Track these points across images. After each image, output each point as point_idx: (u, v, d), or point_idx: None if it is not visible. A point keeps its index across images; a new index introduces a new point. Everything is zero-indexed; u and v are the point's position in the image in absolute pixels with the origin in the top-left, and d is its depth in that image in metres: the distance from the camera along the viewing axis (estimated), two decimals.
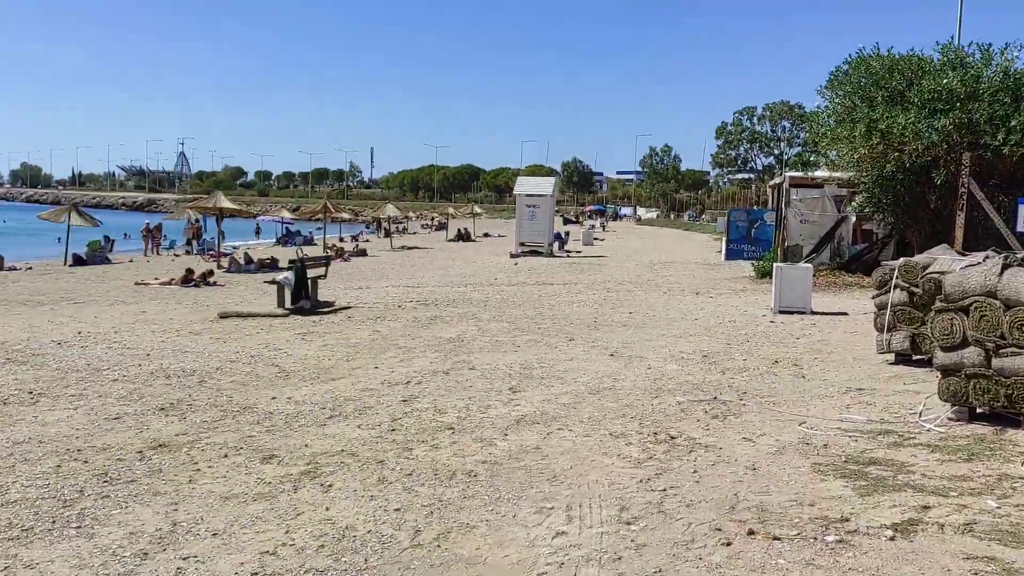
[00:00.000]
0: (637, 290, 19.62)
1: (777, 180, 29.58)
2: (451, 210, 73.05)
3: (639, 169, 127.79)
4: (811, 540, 4.67)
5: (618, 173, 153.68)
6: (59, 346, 11.20)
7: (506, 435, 6.89)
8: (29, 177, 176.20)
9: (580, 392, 8.54)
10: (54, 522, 4.94)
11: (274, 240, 46.93)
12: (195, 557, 4.46)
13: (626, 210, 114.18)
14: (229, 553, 4.52)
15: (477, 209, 68.46)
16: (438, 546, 4.66)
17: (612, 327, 13.27)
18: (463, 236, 49.54)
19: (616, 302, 16.88)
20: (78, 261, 29.07)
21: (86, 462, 6.11)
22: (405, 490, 5.55)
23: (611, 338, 12.10)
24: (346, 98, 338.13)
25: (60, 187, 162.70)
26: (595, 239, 46.14)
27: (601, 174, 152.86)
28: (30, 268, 27.46)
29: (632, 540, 4.72)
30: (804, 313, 14.72)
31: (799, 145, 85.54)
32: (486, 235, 55.51)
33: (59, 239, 38.69)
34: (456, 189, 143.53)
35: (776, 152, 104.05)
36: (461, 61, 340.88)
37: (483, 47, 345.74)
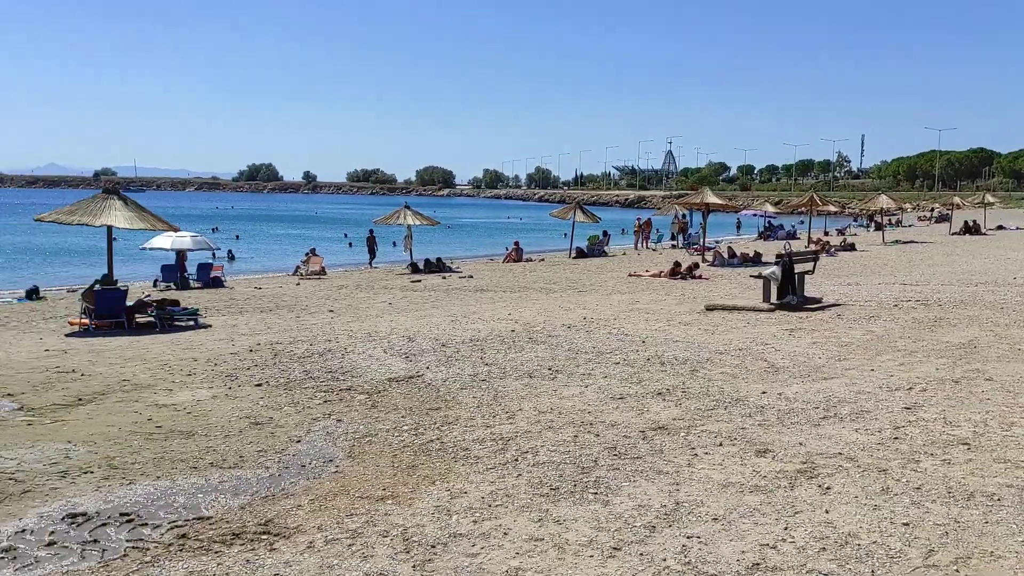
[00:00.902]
0: None
1: None
2: (956, 200, 65.05)
3: None
4: None
5: None
6: (568, 329, 12.60)
7: None
8: (541, 179, 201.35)
9: None
10: (575, 485, 5.60)
11: (755, 234, 46.86)
12: (698, 537, 4.68)
13: None
14: (730, 539, 4.65)
15: (990, 198, 59.89)
16: (956, 571, 4.22)
17: None
18: (970, 229, 43.85)
19: None
20: (580, 254, 32.45)
21: (597, 435, 6.79)
22: (913, 504, 5.12)
23: None
24: (829, 84, 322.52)
25: (565, 187, 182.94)
26: None
27: None
28: (542, 260, 31.42)
29: None
30: None
31: None
32: (1000, 227, 48.44)
33: (564, 234, 43.54)
34: (963, 176, 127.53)
35: None
36: (972, 27, 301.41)
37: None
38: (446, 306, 16.15)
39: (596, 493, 5.44)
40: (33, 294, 19.36)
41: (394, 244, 34.15)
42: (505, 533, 4.80)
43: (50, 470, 5.90)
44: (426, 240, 38.46)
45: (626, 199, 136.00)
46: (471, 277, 23.46)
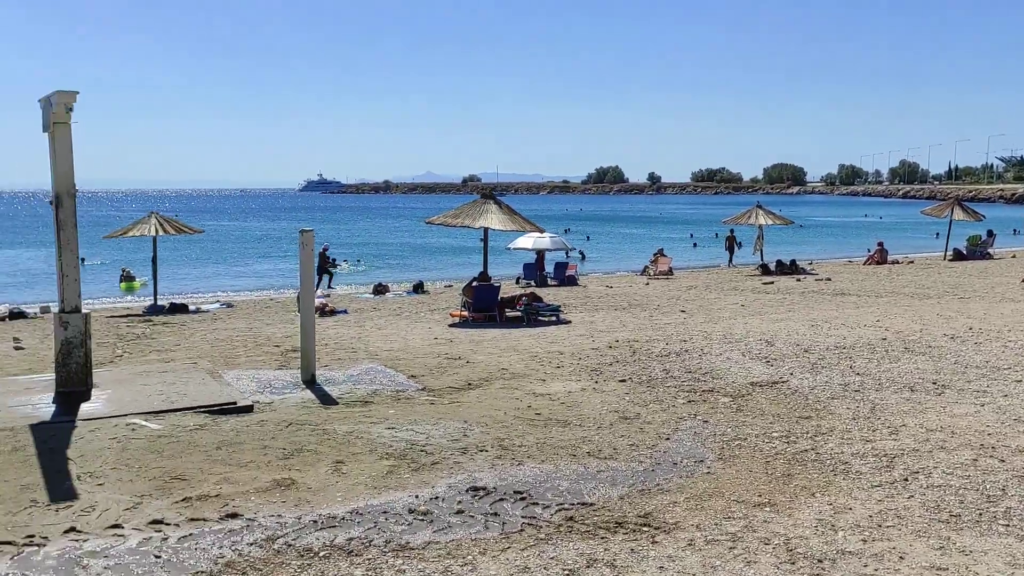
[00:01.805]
0: None
1: None
2: None
3: None
4: None
5: None
6: (951, 340, 11.33)
7: None
8: (906, 174, 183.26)
9: None
10: (980, 514, 5.01)
11: None
12: None
13: None
14: None
15: None
16: None
17: None
18: None
19: None
20: (957, 256, 29.08)
21: (1002, 460, 6.02)
22: None
23: None
24: None
25: (935, 182, 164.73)
26: None
27: None
28: (911, 262, 28.64)
29: None
30: None
31: None
32: None
33: (936, 234, 39.27)
34: None
35: None
36: None
37: None
38: (803, 310, 15.40)
39: (1007, 525, 4.83)
40: (419, 288, 21.98)
41: (740, 245, 33.24)
42: (901, 557, 4.44)
43: (452, 445, 6.64)
44: (776, 240, 36.93)
45: (1013, 194, 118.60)
46: (828, 280, 22.10)
